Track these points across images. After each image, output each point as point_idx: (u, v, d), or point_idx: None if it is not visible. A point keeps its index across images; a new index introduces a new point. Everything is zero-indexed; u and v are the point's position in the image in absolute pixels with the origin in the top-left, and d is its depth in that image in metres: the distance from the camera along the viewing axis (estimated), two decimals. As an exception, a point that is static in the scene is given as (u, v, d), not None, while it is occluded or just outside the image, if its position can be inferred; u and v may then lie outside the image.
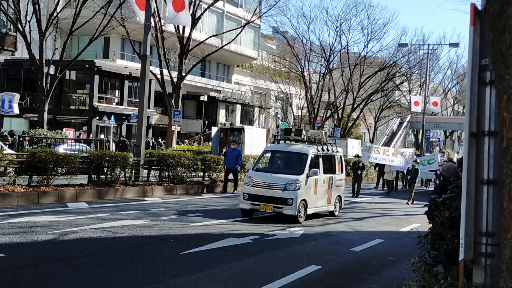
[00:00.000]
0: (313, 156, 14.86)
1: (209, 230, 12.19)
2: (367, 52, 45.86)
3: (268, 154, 16.34)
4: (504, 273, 3.01)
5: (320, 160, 15.19)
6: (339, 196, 16.38)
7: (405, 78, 53.34)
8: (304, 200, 14.29)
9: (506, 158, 2.48)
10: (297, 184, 14.07)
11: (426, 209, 5.65)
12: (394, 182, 28.88)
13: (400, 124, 58.96)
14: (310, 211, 14.66)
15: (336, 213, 16.24)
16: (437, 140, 78.04)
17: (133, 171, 18.93)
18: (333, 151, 16.19)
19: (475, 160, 3.89)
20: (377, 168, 30.27)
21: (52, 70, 30.40)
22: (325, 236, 12.71)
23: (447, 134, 74.86)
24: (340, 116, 47.05)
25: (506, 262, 2.88)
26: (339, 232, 13.59)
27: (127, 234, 11.02)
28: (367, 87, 46.85)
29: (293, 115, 51.30)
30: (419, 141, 55.70)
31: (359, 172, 23.98)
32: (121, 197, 17.06)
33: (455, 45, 46.05)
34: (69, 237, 10.23)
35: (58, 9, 29.30)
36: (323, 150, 15.52)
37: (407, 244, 12.36)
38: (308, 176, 14.42)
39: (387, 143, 53.84)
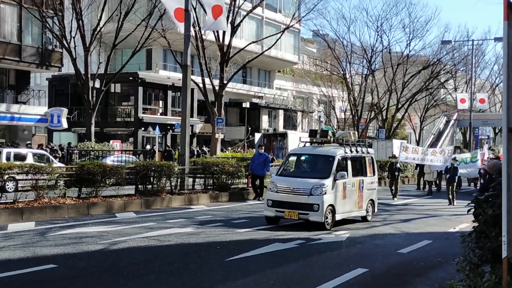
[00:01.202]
0: (340, 158, 14.08)
1: (254, 236, 12.28)
2: (409, 51, 45.36)
3: (293, 158, 15.35)
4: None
5: (349, 162, 14.38)
6: (371, 200, 15.42)
7: (450, 75, 52.38)
8: (331, 205, 13.48)
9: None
10: (323, 189, 13.29)
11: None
12: (437, 182, 28.02)
13: (447, 122, 57.82)
14: (338, 216, 13.83)
15: (369, 218, 15.31)
16: (487, 137, 76.13)
17: (179, 179, 19.21)
18: (363, 153, 15.34)
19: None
20: (417, 168, 29.49)
21: (97, 84, 31.17)
22: (371, 239, 12.61)
23: (497, 131, 72.96)
24: (384, 117, 46.55)
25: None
26: (386, 234, 13.46)
27: (174, 242, 11.22)
28: (411, 86, 46.22)
29: (337, 118, 50.99)
30: (467, 139, 54.50)
31: (396, 173, 23.23)
32: (168, 206, 17.33)
33: (501, 39, 44.91)
34: (118, 247, 10.49)
35: (101, 23, 30.08)
36: (351, 151, 14.72)
37: (457, 245, 12.09)
38: (335, 179, 13.63)
39: (434, 143, 52.92)
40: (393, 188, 22.98)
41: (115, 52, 33.06)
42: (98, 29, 29.99)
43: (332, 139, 15.26)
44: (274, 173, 14.66)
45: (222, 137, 32.71)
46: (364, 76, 45.00)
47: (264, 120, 54.55)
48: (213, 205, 18.41)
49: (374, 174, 15.78)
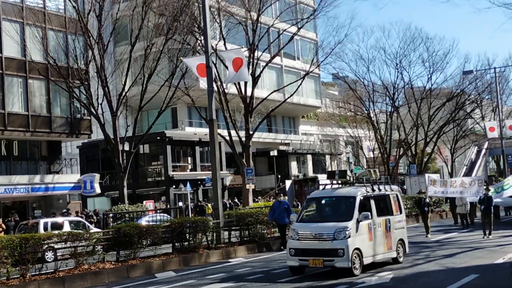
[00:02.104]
0: (362, 198, 13.37)
1: (297, 285, 12.04)
2: (431, 85, 45.27)
3: (313, 202, 14.64)
4: None
5: (372, 202, 13.64)
6: (401, 240, 14.53)
7: (476, 104, 51.88)
8: (357, 248, 12.63)
9: None
10: (347, 232, 12.51)
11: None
12: (470, 214, 26.24)
13: (478, 152, 56.82)
14: (367, 260, 12.95)
15: (401, 259, 14.34)
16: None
17: (214, 234, 19.13)
18: (386, 190, 14.61)
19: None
20: (448, 201, 28.31)
21: (126, 147, 31.65)
22: (416, 277, 12.27)
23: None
24: (413, 152, 46.08)
25: None
26: (430, 271, 13.07)
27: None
28: (437, 119, 45.86)
29: (365, 157, 50.68)
30: (502, 167, 53.41)
31: (426, 209, 22.35)
32: (206, 261, 17.20)
33: (524, 64, 44.56)
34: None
35: (126, 88, 30.76)
36: (373, 190, 14.01)
37: (507, 276, 11.73)
38: (358, 221, 12.85)
39: (468, 174, 51.87)
40: (427, 223, 22.17)
41: (141, 114, 33.69)
42: (124, 93, 30.66)
43: (351, 179, 14.80)
44: (294, 220, 14.01)
45: (253, 187, 32.65)
46: (388, 113, 44.87)
47: (293, 166, 54.44)
48: (251, 256, 18.21)
49: (401, 212, 15.00)
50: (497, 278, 11.77)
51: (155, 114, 32.91)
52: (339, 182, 14.94)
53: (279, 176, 47.92)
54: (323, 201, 14.47)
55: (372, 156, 50.62)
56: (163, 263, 16.10)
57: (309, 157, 56.32)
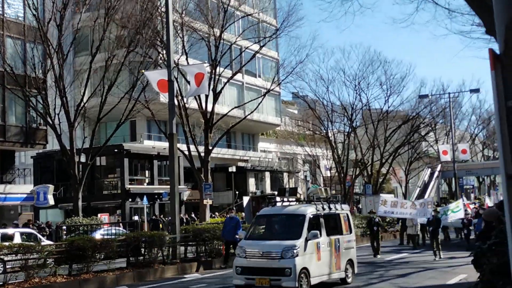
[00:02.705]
0: (311, 216, 13.09)
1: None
2: (388, 107, 46.04)
3: (262, 220, 14.38)
4: None
5: (322, 220, 13.40)
6: (350, 260, 14.27)
7: (430, 128, 53.14)
8: (305, 268, 12.31)
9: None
10: (295, 251, 12.19)
11: (470, 258, 5.50)
12: (420, 236, 26.90)
13: (432, 174, 58.15)
14: (314, 280, 12.64)
15: (349, 280, 14.07)
16: (471, 187, 76.55)
17: (170, 249, 18.88)
18: (337, 209, 14.38)
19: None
20: (399, 222, 28.52)
21: (83, 158, 31.05)
22: (371, 297, 12.36)
23: (480, 179, 73.47)
24: (369, 173, 46.72)
25: None
26: (385, 291, 13.21)
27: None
28: (393, 141, 46.73)
29: (322, 176, 51.13)
30: (453, 189, 54.71)
31: (375, 228, 22.42)
32: (161, 277, 16.94)
33: (476, 91, 46.04)
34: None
35: (85, 99, 30.24)
36: (323, 209, 13.73)
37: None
38: (307, 239, 12.54)
39: (421, 195, 52.94)
40: (375, 244, 22.09)
41: (99, 125, 33.11)
42: (82, 104, 30.12)
43: (302, 197, 14.62)
44: (243, 237, 13.65)
45: (210, 203, 32.45)
46: (346, 133, 45.47)
47: (251, 183, 54.46)
48: (207, 272, 18.03)
49: (351, 232, 14.76)
50: (448, 298, 11.97)
51: (114, 126, 32.44)
52: (293, 199, 14.91)
53: (237, 192, 47.83)
54: (272, 219, 14.16)
55: (329, 175, 51.07)
56: (117, 278, 15.77)
57: (267, 174, 56.48)
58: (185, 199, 44.43)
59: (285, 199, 15.00)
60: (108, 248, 16.59)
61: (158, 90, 20.67)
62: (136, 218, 37.00)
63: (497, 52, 3.84)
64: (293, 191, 13.75)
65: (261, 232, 14.20)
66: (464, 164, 58.55)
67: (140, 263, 17.34)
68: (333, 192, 50.43)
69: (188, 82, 21.95)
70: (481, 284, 5.01)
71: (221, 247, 20.22)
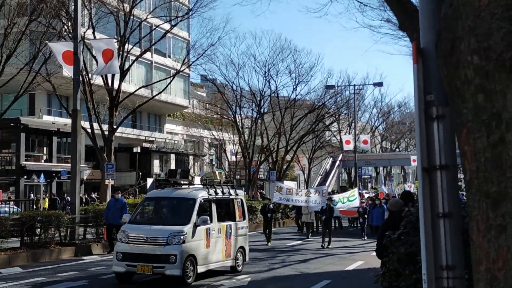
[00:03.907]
0: (202, 201, 12.56)
1: (153, 285, 11.77)
2: (296, 95, 46.87)
3: (150, 203, 13.67)
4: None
5: (213, 205, 12.86)
6: (241, 247, 13.78)
7: (334, 118, 54.76)
8: (192, 255, 11.73)
9: (471, 190, 2.50)
10: (182, 237, 11.57)
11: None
12: (314, 223, 26.52)
13: (333, 163, 60.17)
14: (201, 269, 12.11)
15: (239, 268, 13.55)
16: (369, 177, 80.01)
17: (69, 229, 18.20)
18: (230, 194, 13.80)
19: (429, 195, 3.93)
20: (295, 209, 28.32)
21: (-25, 131, 29.17)
22: (274, 281, 12.55)
23: (378, 170, 76.95)
24: (274, 159, 47.46)
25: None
26: (287, 276, 13.46)
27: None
28: (298, 129, 47.71)
29: (228, 161, 51.36)
30: (352, 179, 56.88)
31: (269, 215, 21.71)
32: (58, 258, 16.30)
33: (379, 84, 47.95)
34: (4, 307, 9.61)
35: (-20, 67, 28.33)
36: (216, 193, 13.17)
37: (356, 283, 12.41)
38: (196, 225, 11.95)
39: (322, 183, 54.65)
40: (267, 232, 21.43)
41: (-5, 97, 31.26)
42: (-23, 73, 28.20)
43: (194, 180, 14.05)
44: (127, 221, 12.72)
45: (112, 183, 31.61)
46: (253, 119, 45.84)
47: (156, 164, 53.64)
48: (107, 255, 17.54)
49: (244, 219, 14.27)
50: (347, 285, 12.39)
51: (11, 98, 30.66)
52: (185, 183, 14.23)
53: (141, 173, 46.96)
54: (161, 202, 13.53)
55: (234, 159, 51.36)
56: (9, 258, 14.98)
57: (173, 156, 55.88)
58: (85, 178, 43.02)
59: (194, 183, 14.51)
60: (1, 226, 15.69)
61: (63, 62, 19.72)
62: (32, 196, 35.39)
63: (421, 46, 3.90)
64: (185, 173, 12.87)
65: (148, 216, 13.53)
66: (363, 155, 61.08)
67: (36, 243, 16.58)
68: (237, 177, 50.86)
69: (94, 58, 21.10)
70: (388, 273, 5.18)
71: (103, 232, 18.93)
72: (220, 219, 13.06)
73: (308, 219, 25.56)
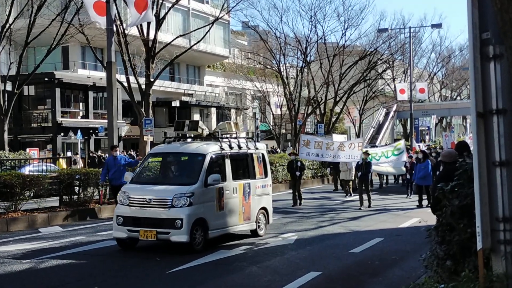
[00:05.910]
0: (213, 156, 11.70)
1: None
2: (345, 41, 46.11)
3: (154, 159, 12.92)
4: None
5: (227, 162, 11.99)
6: (263, 208, 12.91)
7: (388, 65, 53.76)
8: (201, 219, 11.10)
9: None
10: (188, 198, 10.87)
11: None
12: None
13: (386, 114, 59.36)
14: (213, 234, 11.43)
15: (261, 232, 12.80)
16: (427, 128, 78.74)
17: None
18: (249, 148, 12.88)
19: (484, 142, 3.89)
20: (331, 166, 26.73)
21: (9, 87, 30.03)
22: (321, 240, 12.70)
23: (436, 121, 75.58)
24: (322, 111, 47.22)
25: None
26: (335, 234, 13.60)
27: (108, 257, 10.90)
28: (348, 78, 47.12)
29: (273, 114, 51.36)
30: (408, 131, 56.15)
31: (297, 173, 20.01)
32: (97, 217, 16.87)
33: (438, 26, 46.56)
34: (45, 265, 10.07)
35: (11, 20, 28.95)
36: (231, 147, 12.30)
37: (409, 241, 12.44)
38: (206, 185, 11.24)
39: (374, 136, 54.21)
40: (296, 193, 19.88)
41: (27, 51, 31.88)
42: (8, 26, 28.84)
43: (204, 132, 12.96)
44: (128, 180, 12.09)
45: (151, 140, 32.20)
46: (299, 68, 45.48)
47: (196, 119, 54.10)
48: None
49: (266, 176, 13.26)
50: (400, 242, 12.43)
51: (44, 52, 31.32)
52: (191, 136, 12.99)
53: (180, 128, 47.54)
54: (167, 159, 12.70)
55: (279, 113, 51.34)
56: (48, 217, 15.59)
57: (214, 110, 56.28)
58: (123, 134, 43.96)
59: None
60: (39, 185, 16.27)
61: (95, 13, 19.88)
62: (69, 154, 36.43)
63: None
64: (194, 125, 11.50)
65: (152, 175, 12.99)
66: (420, 104, 59.98)
67: (74, 202, 17.16)
68: (283, 131, 50.87)
69: (127, 5, 21.18)
70: (441, 227, 5.18)
71: (100, 194, 17.73)
72: (236, 177, 12.23)
73: (347, 176, 24.01)
